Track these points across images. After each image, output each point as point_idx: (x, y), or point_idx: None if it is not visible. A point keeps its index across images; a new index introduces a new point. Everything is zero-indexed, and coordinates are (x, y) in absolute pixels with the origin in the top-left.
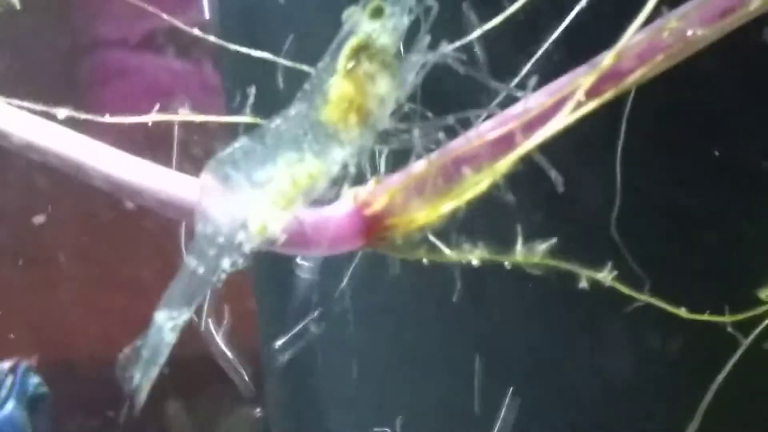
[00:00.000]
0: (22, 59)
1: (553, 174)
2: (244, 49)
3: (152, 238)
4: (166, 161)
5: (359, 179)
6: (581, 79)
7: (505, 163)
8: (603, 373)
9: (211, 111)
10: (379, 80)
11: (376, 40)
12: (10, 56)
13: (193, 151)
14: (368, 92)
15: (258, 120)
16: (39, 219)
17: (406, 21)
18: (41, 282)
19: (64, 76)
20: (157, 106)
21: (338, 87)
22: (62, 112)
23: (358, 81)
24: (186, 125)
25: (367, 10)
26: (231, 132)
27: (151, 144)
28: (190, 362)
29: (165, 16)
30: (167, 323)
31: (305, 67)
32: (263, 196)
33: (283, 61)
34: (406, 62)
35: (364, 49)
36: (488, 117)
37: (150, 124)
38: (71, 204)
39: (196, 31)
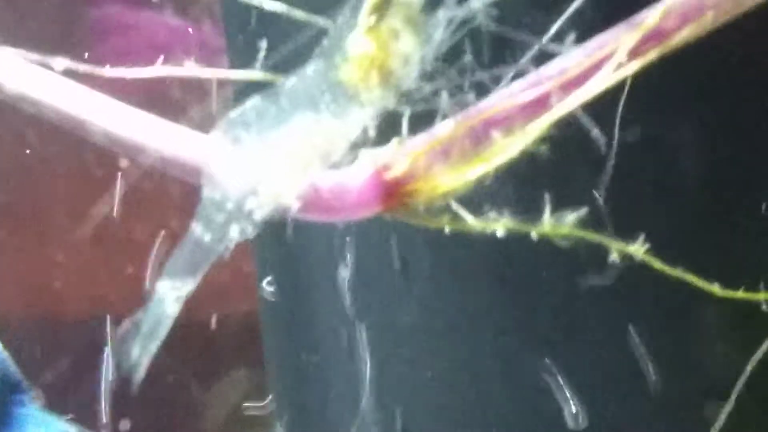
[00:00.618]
0: (16, 9)
1: (595, 132)
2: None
3: (147, 198)
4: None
5: (380, 141)
6: (622, 37)
7: (539, 126)
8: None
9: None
10: (403, 37)
11: None
12: (3, 6)
13: (192, 112)
14: (391, 50)
15: (269, 77)
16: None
17: None
18: (31, 240)
19: (59, 29)
20: (161, 58)
21: (359, 44)
22: (60, 63)
23: (380, 37)
24: (184, 86)
25: None
26: (233, 94)
27: (149, 103)
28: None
29: None
30: (170, 294)
31: (320, 21)
32: (277, 160)
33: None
34: (432, 18)
35: (387, 3)
36: (519, 75)
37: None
38: (64, 160)
39: None
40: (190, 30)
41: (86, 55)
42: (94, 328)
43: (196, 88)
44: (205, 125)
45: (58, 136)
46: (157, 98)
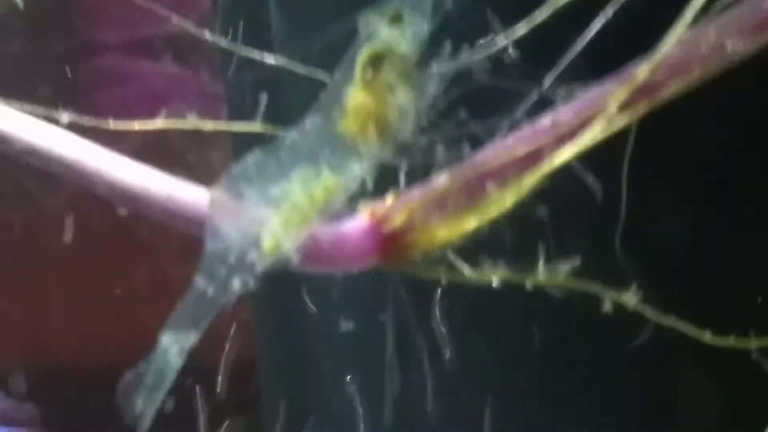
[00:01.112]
0: (18, 61)
1: (590, 180)
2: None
3: (145, 247)
4: (161, 169)
5: (377, 193)
6: (613, 91)
7: (533, 178)
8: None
9: (210, 118)
10: (398, 90)
11: (396, 48)
12: (5, 58)
13: (188, 158)
14: (387, 103)
15: (269, 129)
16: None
17: (426, 28)
18: (28, 290)
19: (60, 79)
20: (164, 112)
21: (356, 97)
22: (65, 117)
23: (376, 91)
24: (181, 133)
25: (386, 16)
26: (229, 140)
27: (146, 151)
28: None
29: (174, 18)
30: (173, 346)
31: (315, 73)
32: (277, 213)
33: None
34: (427, 72)
35: (382, 58)
36: (513, 127)
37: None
38: (62, 210)
39: (206, 35)
40: (189, 78)
41: (87, 103)
42: (91, 377)
43: (193, 136)
44: (200, 171)
45: (57, 187)
46: (154, 145)
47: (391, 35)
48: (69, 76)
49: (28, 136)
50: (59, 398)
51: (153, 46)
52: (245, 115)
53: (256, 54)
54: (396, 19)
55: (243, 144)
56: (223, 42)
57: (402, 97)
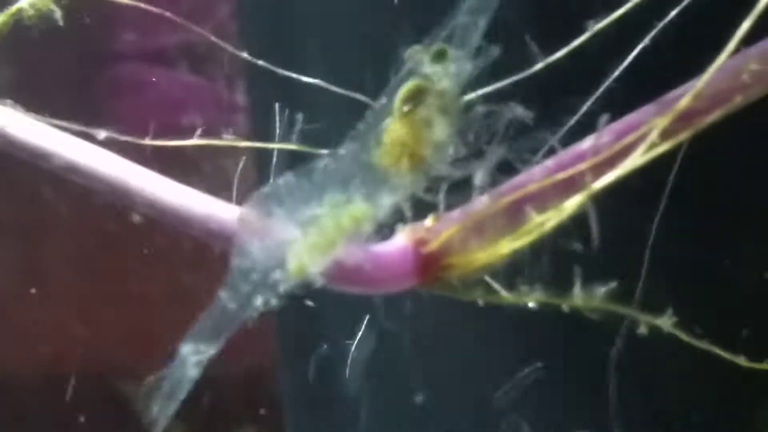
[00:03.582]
0: (35, 70)
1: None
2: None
3: (158, 255)
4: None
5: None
6: (654, 118)
7: (572, 203)
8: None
9: (228, 128)
10: (436, 126)
11: (437, 84)
12: (23, 67)
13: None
14: (424, 138)
15: (305, 148)
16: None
17: (469, 67)
18: (40, 295)
19: (77, 88)
20: (199, 130)
21: (393, 130)
22: (101, 134)
23: (414, 125)
24: (199, 149)
25: (430, 52)
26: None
27: (158, 160)
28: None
29: (195, 28)
30: (192, 358)
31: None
32: (305, 236)
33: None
34: (470, 113)
35: (422, 93)
36: (551, 153)
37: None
38: (75, 217)
39: (229, 48)
40: (206, 87)
41: (104, 113)
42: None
43: (210, 150)
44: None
45: (65, 191)
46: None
47: (434, 71)
48: (87, 85)
49: (70, 154)
50: None
51: (172, 56)
52: (269, 126)
53: (283, 70)
54: (440, 56)
55: (266, 156)
56: (246, 54)
57: (439, 133)
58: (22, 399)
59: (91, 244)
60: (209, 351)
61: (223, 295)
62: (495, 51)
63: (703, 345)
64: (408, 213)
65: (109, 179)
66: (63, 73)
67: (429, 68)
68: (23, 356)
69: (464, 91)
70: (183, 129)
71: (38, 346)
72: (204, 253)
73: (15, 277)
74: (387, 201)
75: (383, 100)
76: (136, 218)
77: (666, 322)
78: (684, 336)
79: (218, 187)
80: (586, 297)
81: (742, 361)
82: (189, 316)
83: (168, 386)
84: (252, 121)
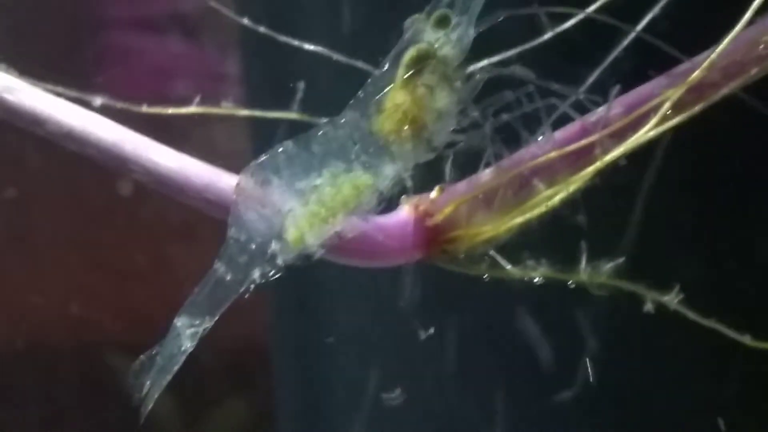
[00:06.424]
0: (25, 35)
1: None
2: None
3: (145, 225)
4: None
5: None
6: (665, 90)
7: (582, 176)
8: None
9: (220, 97)
10: (438, 93)
11: (439, 51)
12: (13, 33)
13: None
14: (425, 105)
15: (306, 117)
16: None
17: (472, 33)
18: (26, 264)
19: (68, 55)
20: (197, 98)
21: (395, 97)
22: (97, 101)
23: (415, 92)
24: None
25: (432, 18)
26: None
27: (150, 127)
28: None
29: None
30: (187, 330)
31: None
32: (303, 206)
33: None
34: (469, 79)
35: (425, 59)
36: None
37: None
38: (63, 187)
39: (232, 15)
40: (198, 55)
41: (95, 79)
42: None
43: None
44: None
45: (53, 159)
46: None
47: (436, 37)
48: (79, 52)
49: (65, 119)
50: None
51: (165, 23)
52: (264, 96)
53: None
54: (442, 22)
55: (260, 127)
56: (245, 22)
57: (441, 101)
58: (8, 371)
59: (79, 216)
60: (205, 323)
61: (219, 266)
62: (498, 17)
63: (710, 323)
64: (411, 184)
65: (105, 145)
66: (54, 40)
67: (431, 35)
68: (9, 328)
69: (468, 60)
70: (174, 98)
71: (25, 318)
72: (193, 224)
73: (1, 249)
74: (388, 170)
75: (384, 66)
76: (125, 190)
77: (673, 299)
78: (690, 314)
79: (209, 160)
80: (591, 273)
81: (747, 340)
82: (177, 288)
83: (162, 360)
84: (247, 91)
